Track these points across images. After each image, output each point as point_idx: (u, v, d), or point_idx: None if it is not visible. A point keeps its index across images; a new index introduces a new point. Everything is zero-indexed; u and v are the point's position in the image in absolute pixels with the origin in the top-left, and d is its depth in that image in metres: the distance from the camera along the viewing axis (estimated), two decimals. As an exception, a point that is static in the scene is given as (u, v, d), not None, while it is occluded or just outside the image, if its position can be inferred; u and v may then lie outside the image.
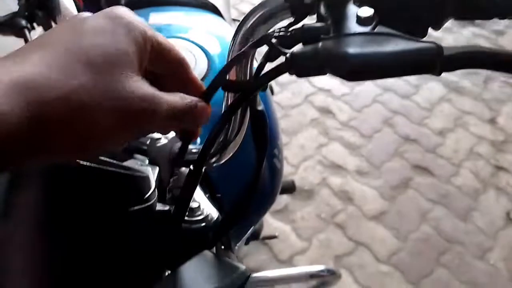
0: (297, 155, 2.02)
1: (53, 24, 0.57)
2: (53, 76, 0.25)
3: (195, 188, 0.39)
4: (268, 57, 0.37)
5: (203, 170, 0.39)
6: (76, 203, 0.32)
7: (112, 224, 0.33)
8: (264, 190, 0.72)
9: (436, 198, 1.90)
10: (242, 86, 0.38)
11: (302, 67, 0.31)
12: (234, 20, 1.21)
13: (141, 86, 0.28)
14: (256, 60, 0.45)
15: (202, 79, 0.68)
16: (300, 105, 2.23)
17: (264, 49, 0.40)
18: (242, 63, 0.41)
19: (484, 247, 1.74)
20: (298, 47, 0.32)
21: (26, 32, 0.56)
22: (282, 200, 1.85)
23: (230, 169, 0.60)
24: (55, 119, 0.25)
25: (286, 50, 0.33)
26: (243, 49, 0.36)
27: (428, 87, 2.39)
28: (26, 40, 0.56)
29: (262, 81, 0.34)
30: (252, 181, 0.40)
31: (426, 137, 2.14)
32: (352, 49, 0.29)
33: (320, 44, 0.30)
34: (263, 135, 0.41)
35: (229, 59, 0.42)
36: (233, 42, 0.41)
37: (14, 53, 0.27)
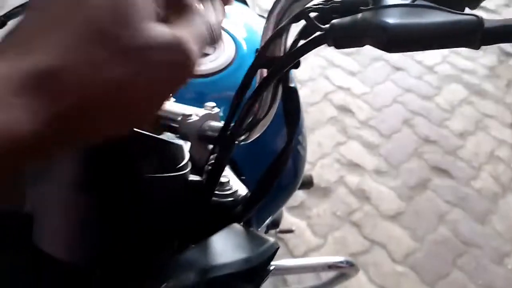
0: (315, 152, 2.02)
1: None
2: (74, 59, 0.21)
3: (226, 161, 0.40)
4: (303, 33, 0.37)
5: (235, 143, 0.40)
6: (109, 166, 0.32)
7: (144, 189, 0.34)
8: (287, 176, 0.73)
9: (455, 200, 1.88)
10: (275, 61, 0.39)
11: (341, 38, 0.31)
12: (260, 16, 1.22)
13: (165, 31, 0.24)
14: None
15: (230, 64, 0.68)
16: (318, 102, 2.23)
17: (297, 28, 0.41)
18: (276, 41, 0.41)
19: (502, 251, 1.72)
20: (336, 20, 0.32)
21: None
22: (298, 197, 1.85)
23: (255, 152, 0.61)
24: (90, 107, 0.21)
25: (323, 26, 0.34)
26: (281, 25, 0.36)
27: (449, 89, 2.36)
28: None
29: (298, 53, 0.34)
30: (281, 155, 0.40)
31: (446, 139, 2.12)
32: (392, 20, 0.29)
33: (359, 15, 0.31)
34: (295, 112, 0.41)
35: (265, 37, 0.42)
36: (268, 21, 0.42)
37: (10, 40, 0.21)
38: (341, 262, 0.80)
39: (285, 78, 0.41)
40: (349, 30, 0.31)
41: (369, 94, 2.30)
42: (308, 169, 1.94)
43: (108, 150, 0.32)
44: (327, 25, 0.32)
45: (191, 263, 0.35)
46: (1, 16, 0.75)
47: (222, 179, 0.43)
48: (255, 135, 0.48)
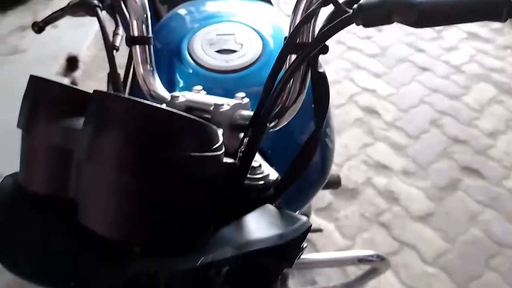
0: (341, 154, 2.01)
1: (122, 4, 0.61)
2: None
3: (258, 144, 0.41)
4: (332, 18, 0.39)
5: (266, 126, 0.41)
6: (149, 145, 0.34)
7: (183, 168, 0.35)
8: (315, 168, 0.74)
9: (486, 200, 1.84)
10: (303, 45, 0.40)
11: (369, 16, 0.32)
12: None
13: None
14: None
15: (257, 60, 0.70)
16: (344, 104, 2.22)
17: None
18: (305, 27, 0.42)
19: (538, 252, 1.67)
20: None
21: (98, 10, 0.60)
22: (325, 198, 1.85)
23: (283, 144, 0.62)
24: None
25: (350, 10, 0.35)
26: (311, 9, 0.37)
27: (478, 88, 2.32)
28: (99, 19, 0.60)
29: (327, 34, 0.36)
30: (312, 138, 0.41)
31: (476, 139, 2.08)
32: None
33: None
34: (324, 96, 0.42)
35: (293, 24, 0.44)
36: (296, 8, 0.43)
37: None
38: (371, 256, 0.80)
39: (314, 63, 0.42)
40: (377, 9, 0.32)
41: (395, 95, 2.29)
42: (334, 170, 1.93)
43: (148, 130, 0.33)
44: (355, 5, 0.33)
45: (227, 239, 0.36)
46: (39, 22, 0.79)
47: (254, 164, 0.45)
48: (285, 121, 0.49)
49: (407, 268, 1.62)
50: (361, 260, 0.80)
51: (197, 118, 0.36)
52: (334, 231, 1.73)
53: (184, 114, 0.35)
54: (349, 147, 2.04)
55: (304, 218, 0.39)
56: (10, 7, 2.70)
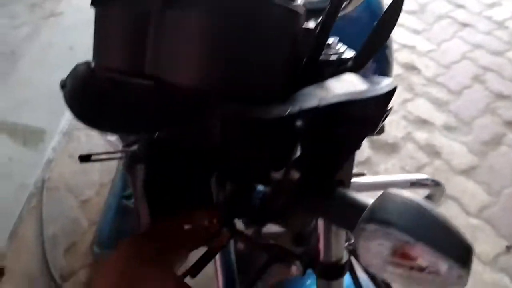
0: (380, 110, 1.97)
1: None
2: None
3: (334, 19, 0.40)
4: None
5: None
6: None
7: (266, 14, 0.34)
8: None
9: (532, 155, 1.78)
10: None
11: None
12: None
13: None
14: None
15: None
16: (383, 61, 2.17)
17: None
18: None
19: None
20: None
21: None
22: (364, 153, 1.83)
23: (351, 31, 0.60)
24: None
25: None
26: None
27: (523, 43, 2.23)
28: None
29: None
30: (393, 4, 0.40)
31: (521, 94, 2.01)
32: None
33: None
34: None
35: None
36: None
37: None
38: (425, 179, 0.78)
39: None
40: None
41: (436, 51, 2.22)
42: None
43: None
44: None
45: (312, 94, 0.35)
46: None
47: (329, 41, 0.44)
48: (355, 4, 0.48)
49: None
50: (413, 184, 0.78)
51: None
52: (374, 184, 1.71)
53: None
54: (389, 103, 2.00)
55: (389, 79, 0.38)
56: (46, -27, 2.73)
